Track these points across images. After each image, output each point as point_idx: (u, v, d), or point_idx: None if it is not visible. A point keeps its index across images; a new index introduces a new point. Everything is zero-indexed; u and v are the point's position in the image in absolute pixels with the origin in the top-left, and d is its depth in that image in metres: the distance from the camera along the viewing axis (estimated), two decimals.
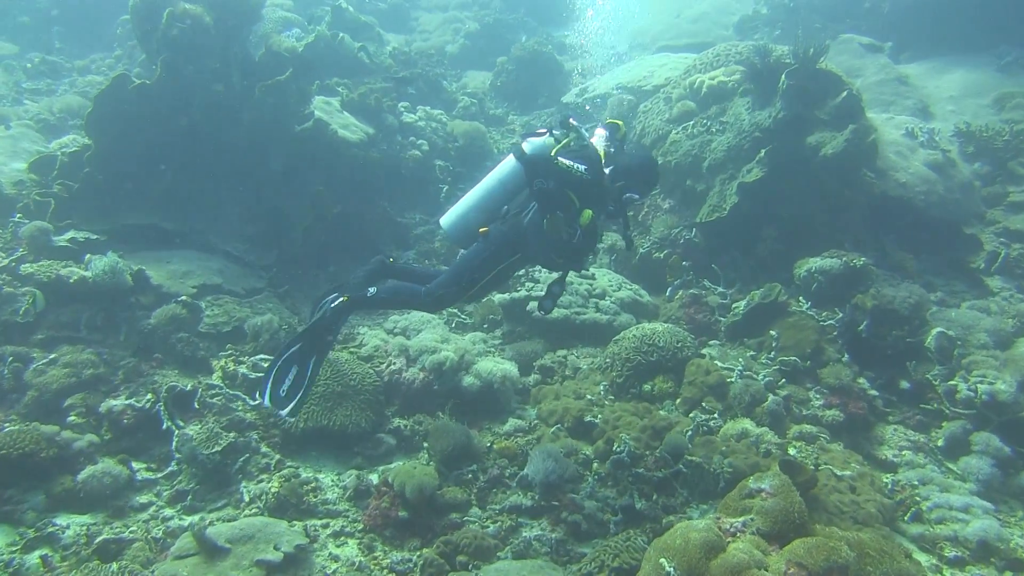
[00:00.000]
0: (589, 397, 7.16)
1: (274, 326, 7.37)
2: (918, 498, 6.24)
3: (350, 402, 6.73)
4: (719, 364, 7.31)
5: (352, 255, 9.67)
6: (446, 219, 5.49)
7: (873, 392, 7.39)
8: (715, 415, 6.73)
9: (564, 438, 6.74)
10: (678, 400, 7.00)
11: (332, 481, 6.30)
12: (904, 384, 7.47)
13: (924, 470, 6.69)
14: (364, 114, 10.30)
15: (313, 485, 6.15)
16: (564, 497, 6.00)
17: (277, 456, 6.42)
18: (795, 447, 6.48)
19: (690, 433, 6.42)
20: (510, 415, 7.25)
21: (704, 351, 7.77)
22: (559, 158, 4.99)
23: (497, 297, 8.42)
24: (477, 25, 15.29)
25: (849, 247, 8.60)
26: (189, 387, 6.64)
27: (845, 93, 8.54)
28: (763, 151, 8.51)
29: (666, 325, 7.55)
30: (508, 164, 5.35)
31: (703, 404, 6.85)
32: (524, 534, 5.72)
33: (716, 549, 4.16)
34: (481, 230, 5.30)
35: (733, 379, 7.10)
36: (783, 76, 8.41)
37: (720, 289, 8.77)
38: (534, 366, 7.76)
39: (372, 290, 5.52)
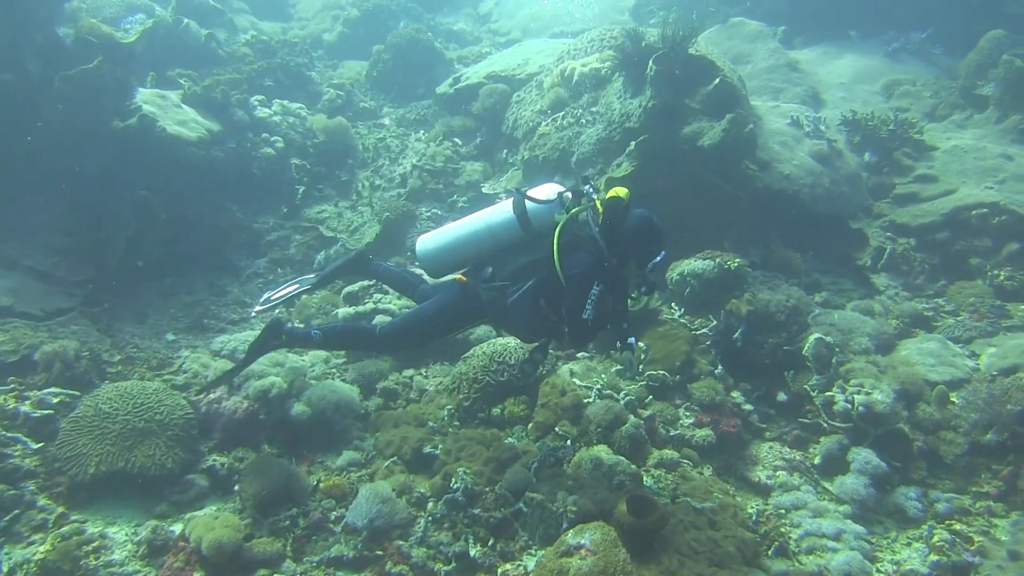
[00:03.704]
0: (431, 424, 6.37)
1: (68, 355, 6.38)
2: (783, 529, 5.65)
3: (155, 439, 5.81)
4: (577, 383, 6.59)
5: (195, 265, 8.72)
6: (423, 247, 5.10)
7: (748, 407, 6.80)
8: (568, 442, 6.01)
9: (399, 473, 5.95)
10: (530, 425, 6.26)
11: (126, 536, 5.36)
12: (782, 396, 6.91)
13: (798, 493, 6.12)
14: (209, 109, 9.31)
15: (97, 544, 5.21)
16: (391, 545, 5.23)
17: (60, 509, 5.44)
18: (653, 476, 5.81)
19: (536, 465, 5.68)
20: (346, 446, 6.44)
21: (567, 367, 7.05)
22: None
23: (341, 311, 7.57)
24: (357, 12, 14.35)
25: (729, 246, 8.01)
26: None
27: (718, 80, 7.91)
28: (633, 143, 7.83)
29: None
30: (503, 214, 4.89)
31: (556, 429, 6.13)
32: None
33: None
34: (459, 278, 4.97)
35: (591, 399, 6.40)
36: (651, 62, 7.73)
37: None
38: (376, 388, 6.93)
39: (317, 333, 5.26)
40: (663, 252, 4.88)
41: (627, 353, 5.00)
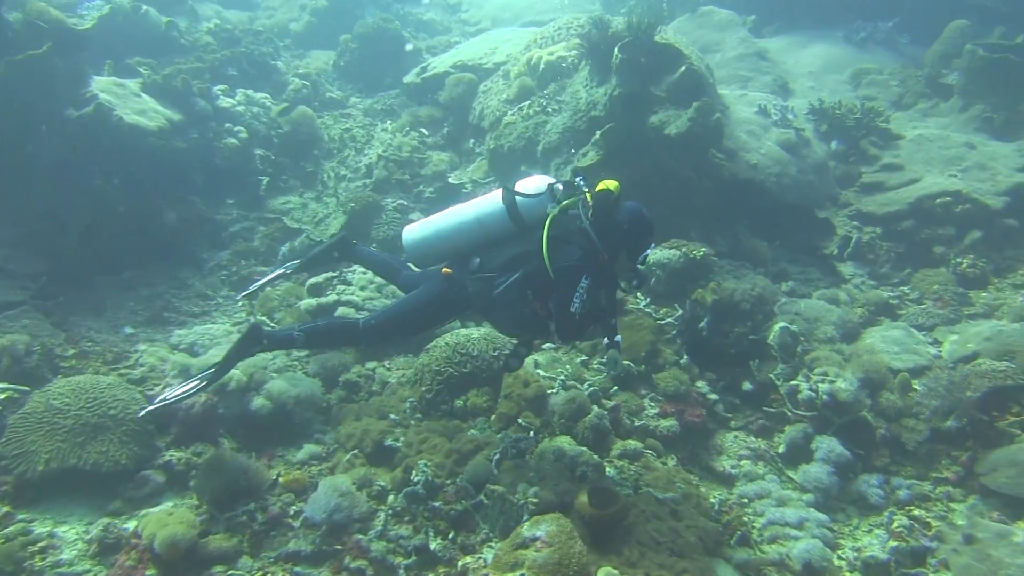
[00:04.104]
0: (393, 416, 6.29)
1: (18, 350, 6.22)
2: (746, 519, 5.64)
3: (108, 435, 5.68)
4: (541, 374, 6.53)
5: (156, 258, 8.56)
6: (409, 237, 5.01)
7: (713, 396, 6.79)
8: (531, 433, 5.95)
9: (360, 466, 5.86)
10: (493, 416, 6.18)
11: (76, 535, 5.23)
12: (747, 386, 6.90)
13: (762, 482, 6.13)
14: (170, 98, 9.12)
15: (45, 543, 5.07)
16: (350, 539, 5.15)
17: (5, 509, 5.30)
18: (616, 467, 5.76)
19: (498, 457, 5.62)
20: (307, 440, 6.34)
21: (532, 358, 6.98)
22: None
23: (303, 303, 7.45)
24: (325, 1, 14.13)
25: (696, 235, 7.97)
26: None
27: (683, 68, 7.87)
28: (599, 132, 7.76)
29: (483, 330, 6.72)
30: (492, 204, 4.80)
31: (520, 420, 6.06)
32: None
33: None
34: (444, 270, 4.84)
35: (555, 390, 6.34)
36: (616, 50, 7.66)
37: None
38: (339, 381, 6.83)
39: (299, 334, 5.06)
40: (653, 244, 4.85)
41: (612, 351, 4.97)
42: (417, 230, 4.99)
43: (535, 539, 3.92)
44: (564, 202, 4.68)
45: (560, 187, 4.77)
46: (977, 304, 7.88)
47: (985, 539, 5.18)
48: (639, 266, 4.81)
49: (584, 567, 3.82)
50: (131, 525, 5.23)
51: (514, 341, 6.75)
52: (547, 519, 4.01)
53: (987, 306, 7.81)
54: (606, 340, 4.97)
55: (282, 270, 5.85)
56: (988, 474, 5.76)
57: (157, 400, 5.37)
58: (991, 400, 6.14)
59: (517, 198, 4.72)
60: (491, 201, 4.82)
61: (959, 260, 8.34)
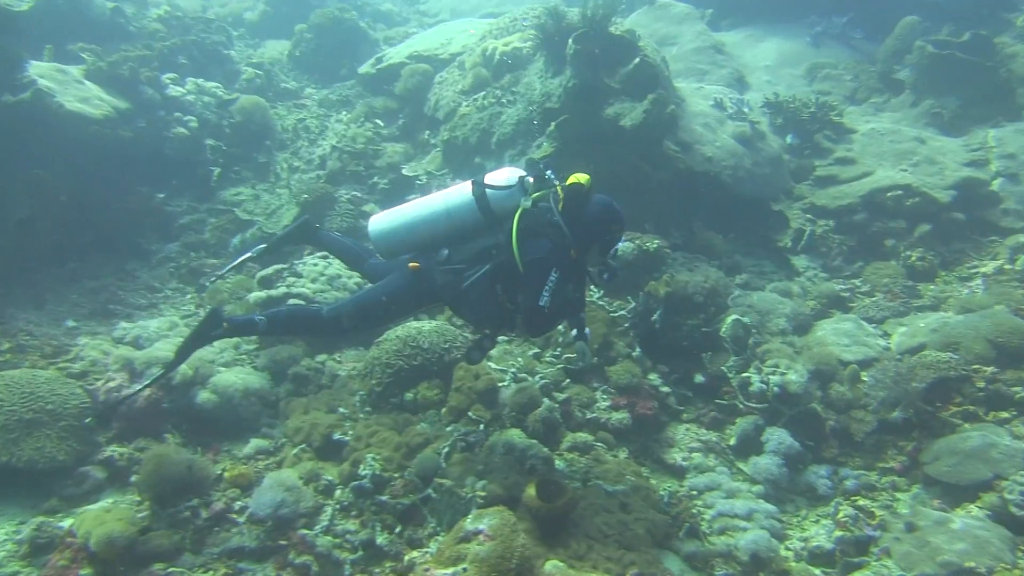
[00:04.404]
0: (342, 410, 6.20)
1: None
2: (695, 511, 5.64)
3: (45, 431, 5.54)
4: (493, 366, 6.48)
5: (101, 250, 8.36)
6: (376, 227, 4.88)
7: (666, 389, 6.79)
8: (481, 426, 5.89)
9: (308, 460, 5.78)
10: (444, 409, 6.12)
11: (6, 535, 5.08)
12: (699, 378, 6.93)
13: (713, 474, 6.14)
14: (116, 86, 8.90)
15: None
16: (295, 534, 5.08)
17: None
18: (566, 460, 5.73)
19: (447, 450, 5.56)
20: (255, 434, 6.24)
21: None
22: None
23: (253, 295, 7.31)
24: None
25: (651, 228, 7.96)
26: None
27: (638, 60, 7.84)
28: (553, 124, 7.72)
29: (435, 323, 6.64)
30: (462, 196, 4.73)
31: (470, 413, 6.00)
32: None
33: None
34: (411, 264, 4.76)
35: (506, 383, 6.29)
36: (570, 41, 7.61)
37: None
38: (288, 374, 6.72)
39: (261, 319, 4.91)
40: (624, 238, 4.81)
41: (581, 343, 4.96)
42: (384, 220, 4.88)
43: (478, 532, 3.88)
44: (535, 194, 4.64)
45: (531, 180, 4.73)
46: (925, 296, 7.97)
47: (925, 526, 5.24)
48: (609, 260, 4.80)
49: (527, 560, 3.78)
50: (67, 523, 5.10)
51: (468, 333, 6.77)
52: (490, 512, 3.97)
53: (934, 298, 7.91)
54: (574, 332, 4.95)
55: (250, 253, 5.74)
56: (931, 463, 5.83)
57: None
58: (936, 391, 6.22)
59: (487, 190, 4.67)
60: (460, 192, 4.75)
61: (909, 253, 8.42)
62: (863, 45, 11.93)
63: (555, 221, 4.55)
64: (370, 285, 5.21)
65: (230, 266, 5.87)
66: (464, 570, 3.75)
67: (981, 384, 6.23)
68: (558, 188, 4.69)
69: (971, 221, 8.73)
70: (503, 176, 4.74)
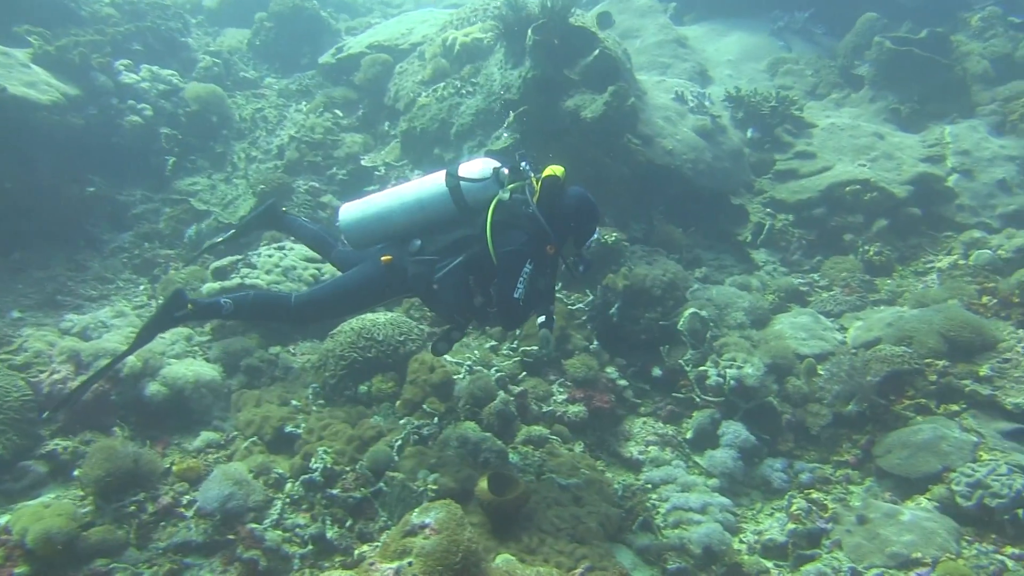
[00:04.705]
0: (295, 402, 6.11)
1: None
2: (650, 504, 5.63)
3: None
4: (448, 359, 6.40)
5: (51, 239, 8.14)
6: (347, 216, 4.81)
7: (623, 382, 6.77)
8: (435, 419, 5.82)
9: (259, 454, 5.69)
10: (398, 402, 6.04)
11: None
12: (657, 371, 6.92)
13: (669, 468, 6.14)
14: (66, 71, 8.66)
15: None
16: (243, 528, 4.99)
17: None
18: (520, 453, 5.68)
19: (399, 443, 5.49)
20: (205, 427, 6.12)
21: None
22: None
23: (206, 287, 7.17)
24: None
25: (611, 221, 7.95)
26: None
27: (598, 51, 7.79)
28: (512, 115, 7.65)
29: (390, 315, 6.56)
30: (435, 186, 4.67)
31: (424, 406, 5.93)
32: None
33: None
34: (384, 258, 4.69)
35: (462, 376, 6.23)
36: (529, 31, 7.55)
37: None
38: (241, 366, 6.60)
39: (227, 302, 4.79)
40: (598, 230, 4.83)
41: (545, 331, 4.90)
42: (355, 210, 4.80)
43: (424, 526, 3.80)
44: (510, 186, 4.61)
45: (506, 171, 4.69)
46: (882, 291, 8.03)
47: (875, 519, 5.28)
48: (584, 251, 4.80)
49: (473, 554, 3.72)
50: (3, 520, 4.95)
51: (426, 326, 6.70)
52: (437, 505, 3.90)
53: (891, 293, 7.98)
54: (541, 319, 4.90)
55: (223, 236, 5.70)
56: (883, 456, 5.87)
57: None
58: (889, 384, 6.26)
59: (462, 182, 4.61)
60: (433, 183, 4.69)
61: (867, 248, 8.49)
62: (825, 41, 11.99)
63: (531, 213, 4.51)
64: (340, 274, 5.13)
65: (203, 248, 5.89)
66: (409, 564, 3.67)
67: (933, 377, 6.29)
68: (534, 180, 4.65)
69: (927, 216, 8.83)
70: (477, 167, 4.68)
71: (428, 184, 4.70)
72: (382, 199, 4.77)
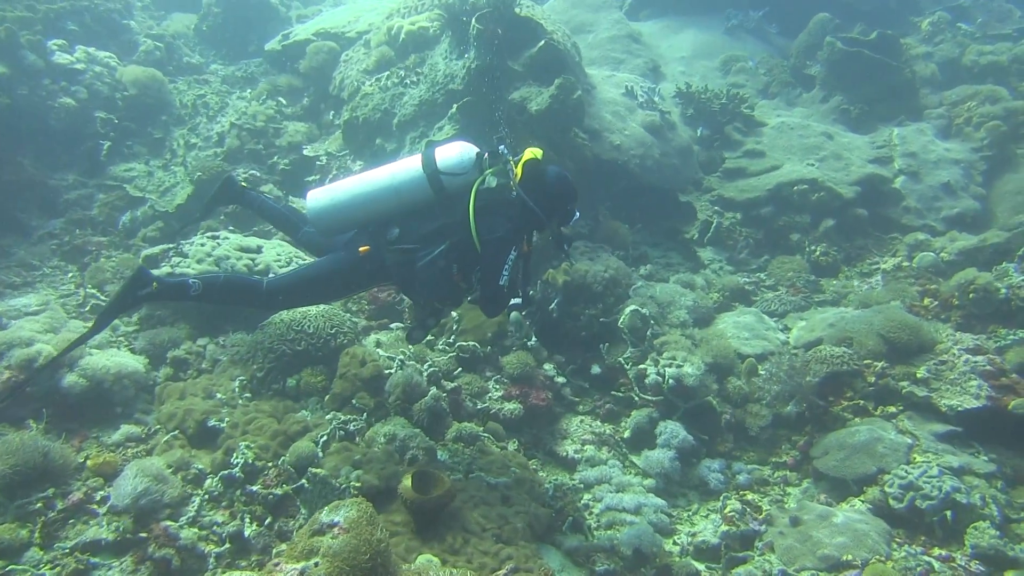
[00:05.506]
0: (220, 396, 5.87)
1: None
2: (582, 504, 5.50)
3: None
4: (382, 353, 6.22)
5: None
6: (315, 203, 4.60)
7: (561, 379, 6.63)
8: (363, 415, 5.64)
9: (179, 448, 5.45)
10: (327, 397, 5.84)
11: None
12: (596, 369, 6.79)
13: (604, 467, 6.02)
14: None
15: None
16: (157, 526, 4.78)
17: None
18: (449, 450, 5.52)
19: (324, 439, 5.29)
20: (127, 420, 5.86)
21: (376, 337, 6.67)
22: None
23: None
24: None
25: None
26: None
27: (543, 42, 7.64)
28: (455, 106, 7.47)
29: (321, 308, 6.35)
30: (411, 171, 4.49)
31: (354, 401, 5.74)
32: None
33: None
34: (361, 248, 4.56)
35: (394, 370, 6.04)
36: (473, 20, 7.37)
37: None
38: (167, 358, 6.35)
39: (195, 282, 4.66)
40: (574, 214, 4.72)
41: (516, 313, 4.79)
42: (324, 196, 4.59)
43: (333, 525, 3.61)
44: (489, 171, 4.49)
45: (487, 156, 4.55)
46: (827, 291, 8.01)
47: (809, 520, 5.21)
48: (566, 232, 4.77)
49: (383, 554, 3.55)
50: None
51: (363, 319, 6.51)
52: (347, 504, 3.71)
53: (836, 293, 7.95)
54: (517, 301, 4.74)
55: (191, 224, 5.74)
56: (820, 457, 5.81)
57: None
58: (828, 385, 6.22)
59: (442, 168, 4.45)
60: (409, 168, 4.51)
61: (813, 248, 8.46)
62: (778, 40, 12.00)
63: (517, 199, 4.41)
64: (313, 260, 4.99)
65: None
66: (316, 564, 3.49)
67: (871, 379, 6.25)
68: (513, 164, 4.51)
69: (874, 217, 8.83)
70: (455, 151, 4.53)
71: (402, 169, 4.54)
72: (353, 185, 4.59)
